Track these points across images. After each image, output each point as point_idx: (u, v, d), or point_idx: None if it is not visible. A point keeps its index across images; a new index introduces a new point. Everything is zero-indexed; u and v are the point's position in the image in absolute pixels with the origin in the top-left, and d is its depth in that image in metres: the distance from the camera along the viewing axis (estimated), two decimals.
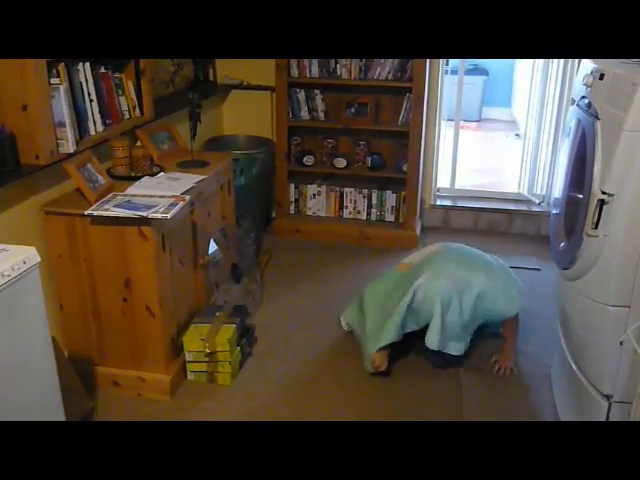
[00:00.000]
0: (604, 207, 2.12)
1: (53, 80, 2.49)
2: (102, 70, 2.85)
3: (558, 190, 2.75)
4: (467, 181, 5.38)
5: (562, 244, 2.53)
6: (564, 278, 2.52)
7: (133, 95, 3.12)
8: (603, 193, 2.11)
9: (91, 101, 2.76)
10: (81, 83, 2.70)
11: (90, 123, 2.77)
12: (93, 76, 2.76)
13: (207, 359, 2.83)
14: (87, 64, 2.72)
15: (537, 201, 4.68)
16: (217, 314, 2.98)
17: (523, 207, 4.67)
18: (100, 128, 2.83)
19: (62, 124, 2.54)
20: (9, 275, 1.80)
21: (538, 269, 4.05)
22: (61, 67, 2.55)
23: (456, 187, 4.89)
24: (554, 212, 2.78)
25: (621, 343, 2.07)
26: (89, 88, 2.74)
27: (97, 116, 2.80)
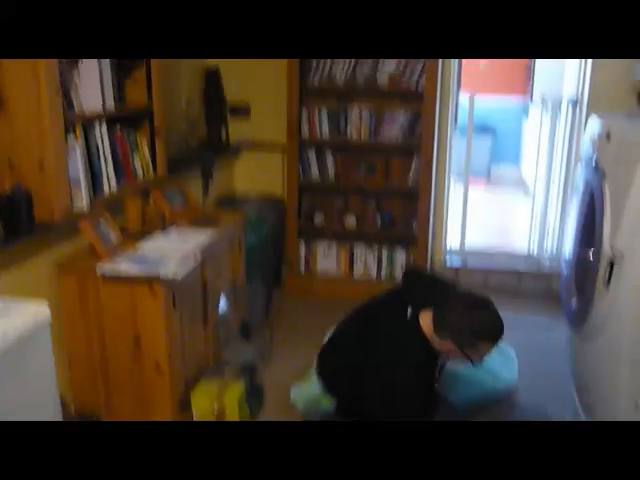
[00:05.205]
0: (614, 265, 2.12)
1: (70, 139, 2.55)
2: (118, 130, 2.92)
3: (568, 248, 2.75)
4: (476, 238, 5.39)
5: (573, 302, 2.52)
6: (576, 337, 2.49)
7: (147, 154, 3.17)
8: (613, 251, 2.11)
9: (106, 160, 2.81)
10: (97, 143, 2.75)
11: (104, 181, 2.81)
12: (109, 136, 2.82)
13: (215, 418, 2.80)
14: (104, 124, 2.78)
15: (547, 260, 4.67)
16: (226, 372, 2.96)
17: (533, 266, 4.66)
18: (114, 186, 2.87)
19: (77, 182, 2.58)
20: (20, 331, 1.80)
21: (549, 329, 4.01)
22: (78, 126, 2.61)
23: (466, 247, 4.90)
24: (564, 270, 2.77)
25: (637, 406, 2.04)
26: (104, 147, 2.80)
27: (111, 175, 2.85)
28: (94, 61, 2.68)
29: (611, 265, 2.12)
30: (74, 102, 2.62)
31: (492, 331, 2.29)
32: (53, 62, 2.36)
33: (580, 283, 2.51)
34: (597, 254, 2.22)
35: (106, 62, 2.77)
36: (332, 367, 2.74)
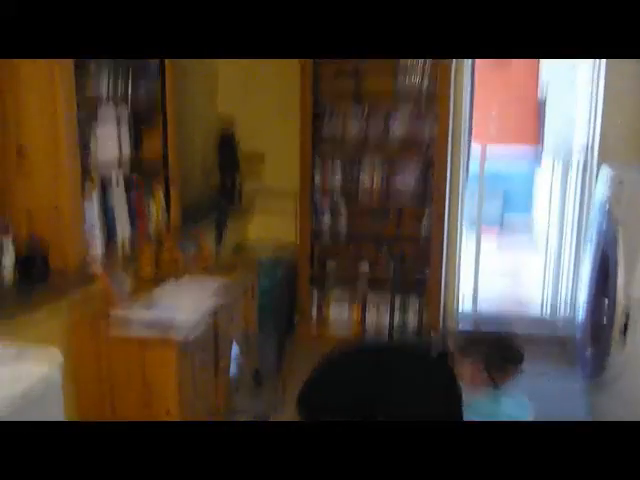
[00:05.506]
0: (630, 313, 2.10)
1: (86, 187, 2.58)
2: (133, 178, 2.96)
3: (583, 296, 2.73)
4: (490, 286, 5.34)
5: (589, 351, 2.49)
6: (592, 386, 2.46)
7: (162, 202, 3.21)
8: (629, 299, 2.09)
9: (121, 208, 2.84)
10: (113, 190, 2.79)
11: (119, 229, 2.84)
12: (125, 184, 2.86)
13: None
14: (120, 172, 2.82)
15: (561, 308, 4.62)
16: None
17: (547, 314, 4.62)
18: (129, 234, 2.90)
19: (92, 229, 2.60)
20: (32, 377, 1.80)
21: (564, 378, 3.94)
22: (95, 174, 2.65)
23: (479, 294, 4.86)
24: (579, 319, 2.75)
25: None
26: (120, 195, 2.83)
27: (126, 222, 2.88)
28: (112, 110, 2.74)
29: (627, 314, 2.10)
30: (91, 150, 2.67)
31: (519, 356, 2.43)
32: (72, 110, 2.42)
33: (596, 332, 2.48)
34: (612, 303, 2.20)
35: (124, 111, 2.83)
36: (325, 402, 2.70)
